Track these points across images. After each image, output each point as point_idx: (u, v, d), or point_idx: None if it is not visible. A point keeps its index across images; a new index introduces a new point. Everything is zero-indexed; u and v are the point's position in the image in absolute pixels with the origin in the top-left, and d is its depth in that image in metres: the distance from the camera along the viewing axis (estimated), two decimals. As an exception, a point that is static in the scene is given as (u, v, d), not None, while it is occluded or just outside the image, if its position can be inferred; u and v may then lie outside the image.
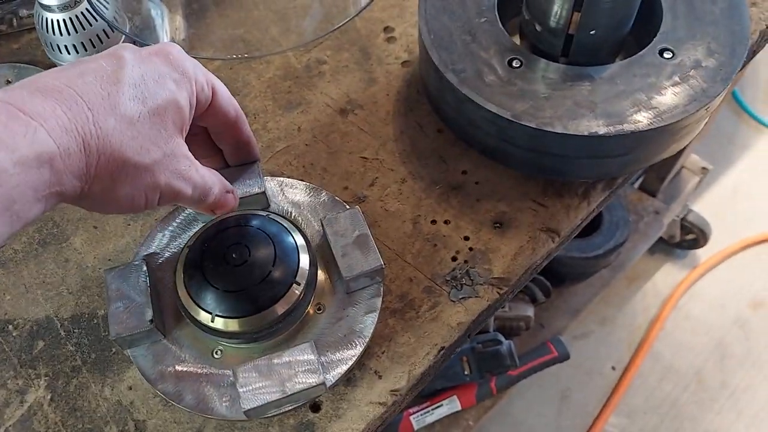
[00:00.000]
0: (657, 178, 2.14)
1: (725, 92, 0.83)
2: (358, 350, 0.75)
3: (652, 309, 2.37)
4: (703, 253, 2.45)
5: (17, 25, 1.15)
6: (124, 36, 1.02)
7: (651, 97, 0.81)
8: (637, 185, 2.21)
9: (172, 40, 1.04)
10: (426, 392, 1.83)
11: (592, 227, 2.06)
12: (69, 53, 1.00)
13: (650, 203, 2.19)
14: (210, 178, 0.70)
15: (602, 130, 0.79)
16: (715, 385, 2.23)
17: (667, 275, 2.43)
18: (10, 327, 0.87)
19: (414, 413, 1.82)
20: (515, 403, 2.21)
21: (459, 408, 1.83)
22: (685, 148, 1.91)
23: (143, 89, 0.62)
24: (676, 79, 0.82)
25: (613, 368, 2.27)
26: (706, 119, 0.88)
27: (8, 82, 1.06)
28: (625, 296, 2.39)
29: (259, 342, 0.75)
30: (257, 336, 0.73)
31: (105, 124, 0.58)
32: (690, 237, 2.37)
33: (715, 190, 2.60)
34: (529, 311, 1.96)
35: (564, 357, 1.89)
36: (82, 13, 0.97)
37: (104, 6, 0.98)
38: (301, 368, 0.71)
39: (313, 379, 0.70)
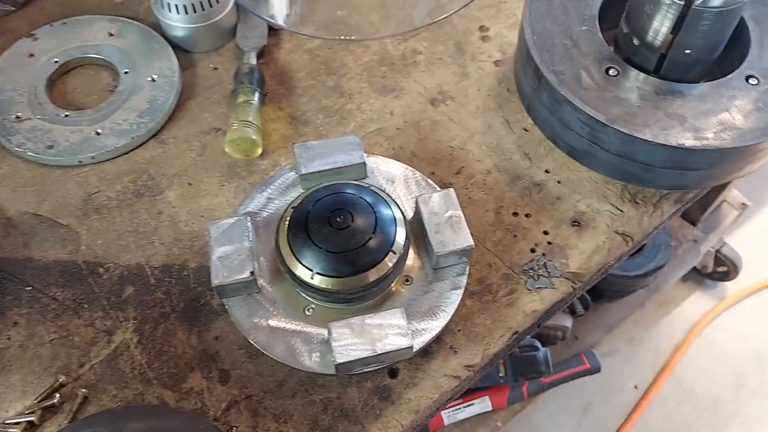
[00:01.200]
0: (699, 208, 2.17)
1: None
2: (442, 322, 0.80)
3: (677, 334, 2.39)
4: (731, 287, 2.47)
5: (123, -22, 1.18)
6: (231, 3, 1.07)
7: (736, 117, 0.85)
8: (679, 213, 2.23)
9: (278, 13, 1.08)
10: (460, 390, 1.86)
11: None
12: (177, 12, 1.05)
13: (690, 231, 2.21)
14: None
15: (689, 143, 0.83)
16: (729, 413, 2.26)
17: (696, 304, 2.46)
18: (101, 270, 0.90)
19: (446, 408, 1.85)
20: (539, 412, 2.23)
21: (490, 408, 1.85)
22: (729, 182, 1.95)
23: None
24: (760, 105, 0.86)
25: (636, 387, 2.30)
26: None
27: (111, 35, 1.09)
28: (653, 319, 2.42)
29: (350, 304, 0.79)
30: (350, 297, 0.78)
31: None
32: (722, 269, 2.39)
33: (749, 227, 2.63)
34: (568, 322, 1.99)
35: (595, 370, 1.92)
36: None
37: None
38: (391, 331, 0.75)
39: (402, 342, 0.74)
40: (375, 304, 0.80)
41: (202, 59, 1.10)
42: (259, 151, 0.97)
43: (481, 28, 1.12)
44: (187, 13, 1.04)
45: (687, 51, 0.88)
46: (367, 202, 0.79)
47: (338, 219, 0.76)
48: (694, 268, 2.38)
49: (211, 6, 1.04)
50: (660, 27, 0.87)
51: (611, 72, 0.90)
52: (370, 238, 0.76)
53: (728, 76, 0.89)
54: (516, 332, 0.85)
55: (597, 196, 0.95)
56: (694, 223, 2.21)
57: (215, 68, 1.09)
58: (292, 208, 0.80)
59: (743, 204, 2.24)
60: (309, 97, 1.05)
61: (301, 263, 0.76)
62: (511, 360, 1.79)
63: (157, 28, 1.10)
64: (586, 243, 0.91)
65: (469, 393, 1.85)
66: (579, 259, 0.90)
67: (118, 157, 1.00)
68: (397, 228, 0.78)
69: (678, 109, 0.86)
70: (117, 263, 0.91)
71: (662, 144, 0.83)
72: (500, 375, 1.79)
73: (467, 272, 0.83)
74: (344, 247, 0.76)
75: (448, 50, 1.10)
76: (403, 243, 0.78)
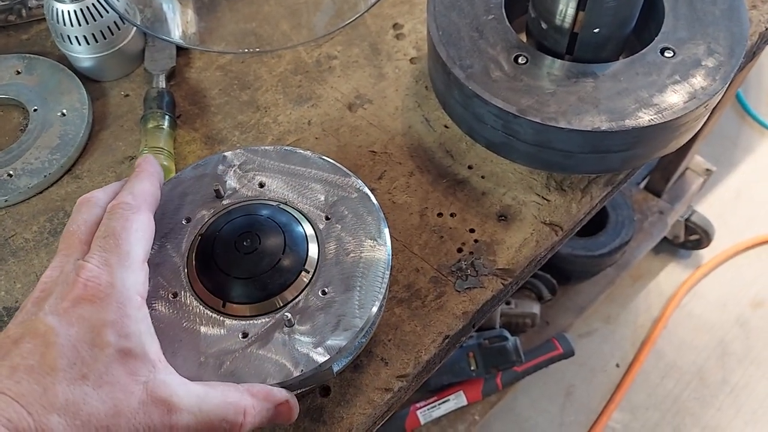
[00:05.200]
0: (662, 178, 2.16)
1: (724, 90, 0.85)
2: (366, 337, 0.77)
3: (655, 308, 2.39)
4: (706, 254, 2.46)
5: (27, 16, 1.16)
6: (135, 28, 1.04)
7: (652, 94, 0.83)
8: (642, 185, 2.23)
9: (184, 33, 1.05)
10: (433, 387, 1.85)
11: (598, 226, 2.08)
12: (80, 44, 1.02)
13: (655, 203, 2.20)
14: (221, 409, 0.63)
15: (605, 126, 0.80)
16: (716, 383, 2.25)
17: (671, 275, 2.45)
18: (24, 313, 0.88)
19: (421, 408, 1.84)
20: (520, 400, 2.23)
21: (465, 403, 1.85)
22: (689, 147, 1.95)
23: (80, 365, 0.55)
24: (677, 77, 0.84)
25: (617, 366, 2.29)
26: (706, 117, 0.89)
27: (18, 73, 1.07)
28: (629, 295, 2.41)
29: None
30: (268, 321, 0.75)
31: (48, 424, 0.51)
32: (694, 237, 2.39)
33: (718, 192, 2.62)
34: (535, 308, 1.98)
35: (569, 354, 1.91)
36: (93, 4, 0.99)
37: (116, -3, 1.00)
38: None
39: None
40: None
41: (112, 87, 1.07)
42: (172, 176, 0.94)
43: (395, 25, 1.10)
44: (89, 43, 1.01)
45: (596, 30, 0.85)
46: (275, 222, 0.76)
47: (245, 243, 0.74)
48: (666, 239, 2.38)
49: (112, 34, 1.02)
50: (565, 8, 0.85)
51: (520, 60, 0.87)
52: (280, 259, 0.74)
53: (642, 51, 0.87)
54: (447, 336, 0.83)
55: (522, 187, 0.93)
56: (658, 194, 2.21)
57: (126, 95, 1.06)
58: (199, 235, 0.78)
59: (707, 170, 2.24)
60: (224, 115, 1.03)
61: (210, 293, 0.74)
62: (481, 352, 1.79)
63: (65, 60, 1.07)
64: (514, 237, 0.89)
65: (442, 389, 1.86)
66: (507, 254, 0.88)
67: (32, 197, 0.97)
68: (309, 244, 0.76)
69: (592, 91, 0.84)
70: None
71: (576, 130, 0.81)
72: (472, 368, 1.79)
73: (388, 281, 0.81)
74: (253, 272, 0.73)
75: (363, 52, 1.08)
76: (316, 259, 0.76)
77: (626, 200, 2.11)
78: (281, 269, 0.74)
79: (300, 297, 0.74)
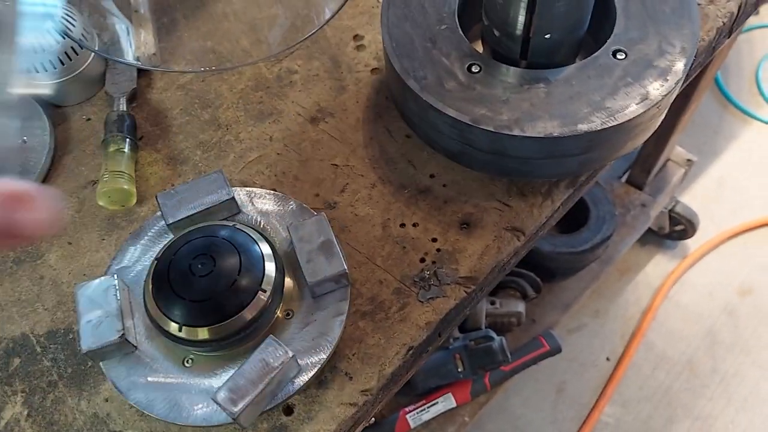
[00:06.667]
0: (643, 171, 2.16)
1: (677, 90, 0.85)
2: (326, 353, 0.78)
3: (643, 300, 2.39)
4: (692, 244, 2.46)
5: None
6: (93, 53, 1.04)
7: (604, 97, 0.83)
8: (624, 179, 2.23)
9: (143, 54, 1.05)
10: (421, 390, 1.85)
11: (579, 222, 2.08)
12: (37, 71, 1.02)
13: (637, 196, 2.20)
14: None
15: (557, 131, 0.81)
16: (706, 372, 2.26)
17: (658, 266, 2.45)
18: (-13, 345, 0.88)
19: (410, 412, 1.84)
20: (512, 398, 2.23)
21: (454, 405, 1.85)
22: (668, 139, 1.95)
23: None
24: (629, 79, 0.84)
25: (608, 359, 2.29)
26: (661, 117, 0.90)
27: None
28: (617, 288, 2.41)
29: (229, 349, 0.77)
30: (226, 343, 0.75)
31: None
32: (678, 228, 2.39)
33: (702, 182, 2.62)
34: (520, 307, 1.98)
35: (556, 350, 1.91)
36: (48, 31, 0.99)
37: (71, 24, 1.00)
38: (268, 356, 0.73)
39: (281, 355, 0.72)
40: (257, 344, 0.78)
41: (74, 112, 1.07)
42: (134, 200, 0.95)
43: (356, 37, 1.10)
44: (46, 70, 1.01)
45: (547, 35, 0.86)
46: (230, 243, 0.76)
47: (199, 266, 0.74)
48: (652, 231, 2.38)
49: (70, 59, 1.02)
50: (516, 14, 0.85)
51: (474, 69, 0.87)
52: (236, 280, 0.74)
53: (594, 54, 0.87)
54: (411, 347, 0.83)
55: (483, 194, 0.93)
56: (640, 187, 2.21)
57: (88, 119, 1.06)
58: (156, 260, 0.78)
59: (689, 160, 2.24)
60: (185, 134, 1.03)
61: (168, 317, 0.74)
62: (468, 353, 1.79)
63: (26, 86, 1.07)
64: (475, 245, 0.89)
65: (431, 392, 1.86)
66: (469, 262, 0.88)
67: (-3, 226, 0.97)
68: (266, 264, 0.76)
69: (544, 97, 0.84)
70: (2, 336, 0.89)
71: (530, 137, 0.81)
72: (459, 370, 1.79)
73: (348, 296, 0.81)
74: (208, 294, 0.73)
75: (323, 65, 1.08)
76: (273, 278, 0.76)
77: (607, 195, 2.11)
78: (237, 290, 0.74)
79: None
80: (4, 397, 0.84)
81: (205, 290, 0.74)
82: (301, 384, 0.76)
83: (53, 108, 1.07)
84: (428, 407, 1.84)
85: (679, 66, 0.85)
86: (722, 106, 2.82)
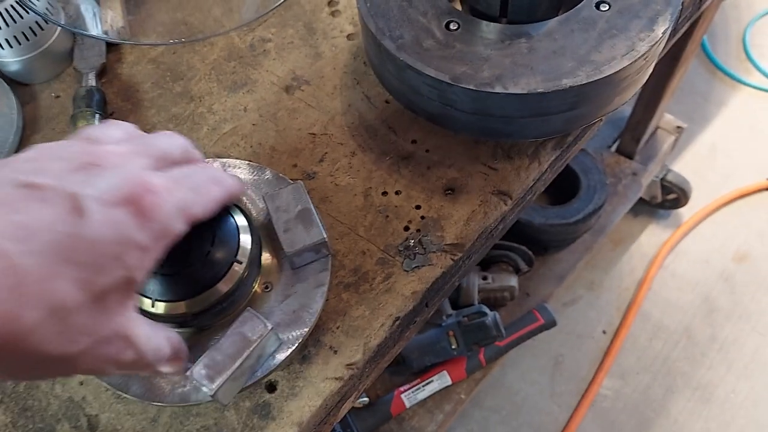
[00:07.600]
0: (632, 139, 2.14)
1: (664, 40, 0.82)
2: (308, 326, 0.75)
3: (638, 270, 2.37)
4: (685, 212, 2.44)
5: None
6: (59, 28, 1.01)
7: (589, 51, 0.80)
8: (613, 148, 2.21)
9: (111, 27, 1.02)
10: (416, 369, 1.83)
11: (570, 193, 2.05)
12: (2, 48, 0.99)
13: (627, 165, 2.18)
14: (154, 350, 0.59)
15: (541, 87, 0.77)
16: (705, 340, 2.24)
17: (652, 236, 2.43)
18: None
19: (405, 391, 1.82)
20: (509, 373, 2.21)
21: (450, 382, 1.84)
22: (657, 105, 1.92)
23: (93, 269, 0.48)
24: (614, 31, 0.81)
25: (604, 332, 2.28)
26: (650, 69, 0.86)
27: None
28: (611, 259, 2.39)
29: (206, 324, 0.74)
30: (202, 318, 0.72)
31: (27, 317, 0.44)
32: (671, 197, 2.37)
33: (693, 149, 2.60)
34: (513, 281, 1.96)
35: (550, 324, 1.89)
36: (11, 5, 0.96)
37: (35, -3, 0.96)
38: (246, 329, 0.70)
39: (260, 328, 0.69)
40: (233, 320, 0.75)
41: (43, 90, 1.04)
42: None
43: (330, 2, 1.06)
44: (11, 46, 0.97)
45: (527, -12, 0.83)
46: (204, 214, 0.73)
47: (170, 237, 0.71)
48: (644, 200, 2.36)
49: (35, 34, 0.98)
50: (493, -34, 0.82)
51: (452, 26, 0.84)
52: (209, 252, 0.70)
53: (577, 7, 0.84)
54: (397, 318, 0.80)
55: (468, 158, 0.90)
56: (630, 156, 2.19)
57: (57, 96, 1.03)
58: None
59: (678, 127, 2.22)
60: (157, 108, 0.99)
61: (140, 293, 0.71)
62: (461, 330, 1.77)
63: (-8, 67, 1.04)
64: (461, 210, 0.86)
65: (425, 371, 1.84)
66: (455, 228, 0.85)
67: (-36, 210, 0.94)
68: (241, 235, 0.73)
69: (527, 53, 0.81)
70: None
71: (513, 93, 0.78)
72: (453, 347, 1.77)
73: (329, 267, 0.78)
74: (180, 267, 0.70)
75: (298, 32, 1.04)
76: (249, 249, 0.73)
77: (597, 164, 2.08)
78: (211, 262, 0.71)
79: None
80: (-25, 385, 0.81)
81: (177, 263, 0.70)
82: (283, 358, 0.73)
83: (20, 86, 1.04)
84: (423, 386, 1.82)
85: (666, 15, 0.81)
86: (710, 73, 2.79)
